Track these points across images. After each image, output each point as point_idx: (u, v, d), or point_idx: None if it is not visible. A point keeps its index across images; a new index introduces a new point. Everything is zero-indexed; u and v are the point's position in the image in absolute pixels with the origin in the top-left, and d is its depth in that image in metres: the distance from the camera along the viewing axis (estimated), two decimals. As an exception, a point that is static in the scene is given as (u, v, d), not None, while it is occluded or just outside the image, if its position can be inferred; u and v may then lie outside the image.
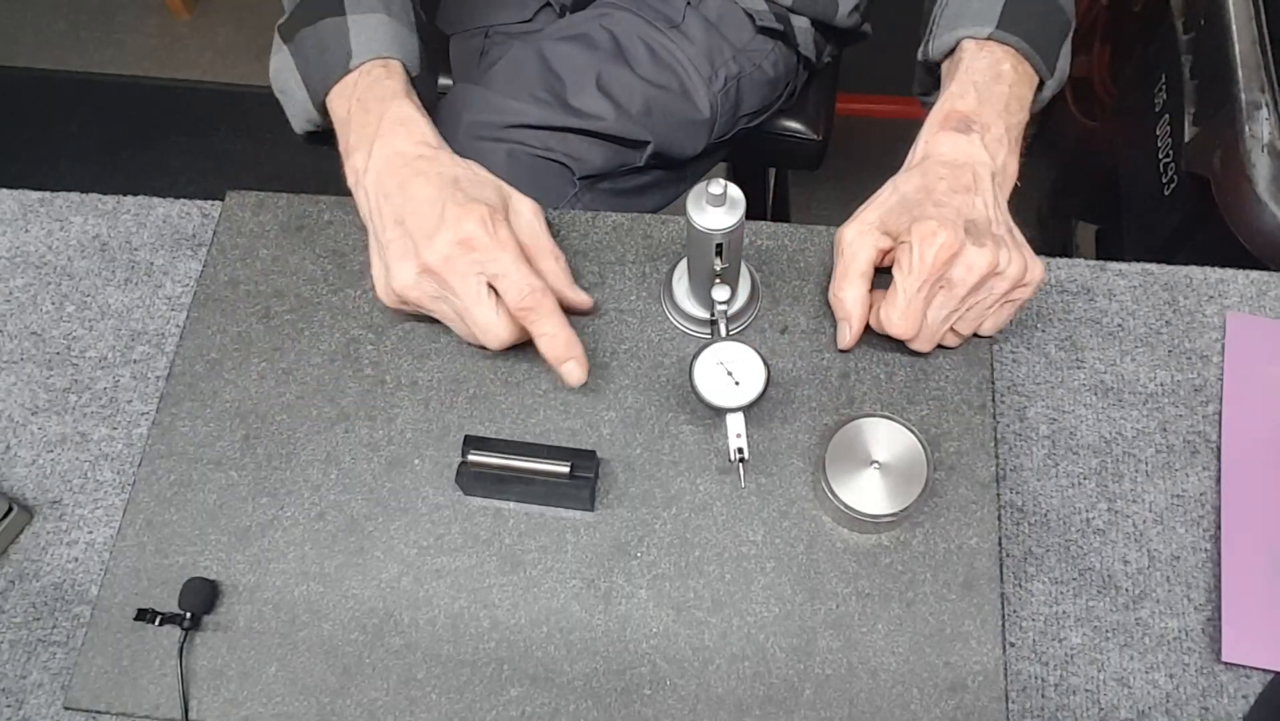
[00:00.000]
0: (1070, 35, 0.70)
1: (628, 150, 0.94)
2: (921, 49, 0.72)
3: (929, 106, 0.67)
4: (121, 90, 2.01)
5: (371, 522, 0.62)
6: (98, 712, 0.58)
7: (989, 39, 0.66)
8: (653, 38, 0.95)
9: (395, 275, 0.61)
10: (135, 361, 0.80)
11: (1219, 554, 0.70)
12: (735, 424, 0.58)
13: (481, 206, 0.60)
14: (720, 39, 0.97)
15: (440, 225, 0.59)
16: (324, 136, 0.71)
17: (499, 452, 0.60)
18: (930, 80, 0.74)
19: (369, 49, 0.66)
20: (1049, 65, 0.68)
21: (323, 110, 0.68)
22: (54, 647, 0.70)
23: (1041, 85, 0.69)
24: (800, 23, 1.02)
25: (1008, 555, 0.71)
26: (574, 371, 0.61)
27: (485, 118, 0.89)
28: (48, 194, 0.87)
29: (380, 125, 0.64)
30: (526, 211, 0.64)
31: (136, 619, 0.58)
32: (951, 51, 0.69)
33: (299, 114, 0.70)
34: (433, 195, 0.61)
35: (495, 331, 0.61)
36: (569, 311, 0.63)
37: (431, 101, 0.72)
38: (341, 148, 0.66)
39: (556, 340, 0.60)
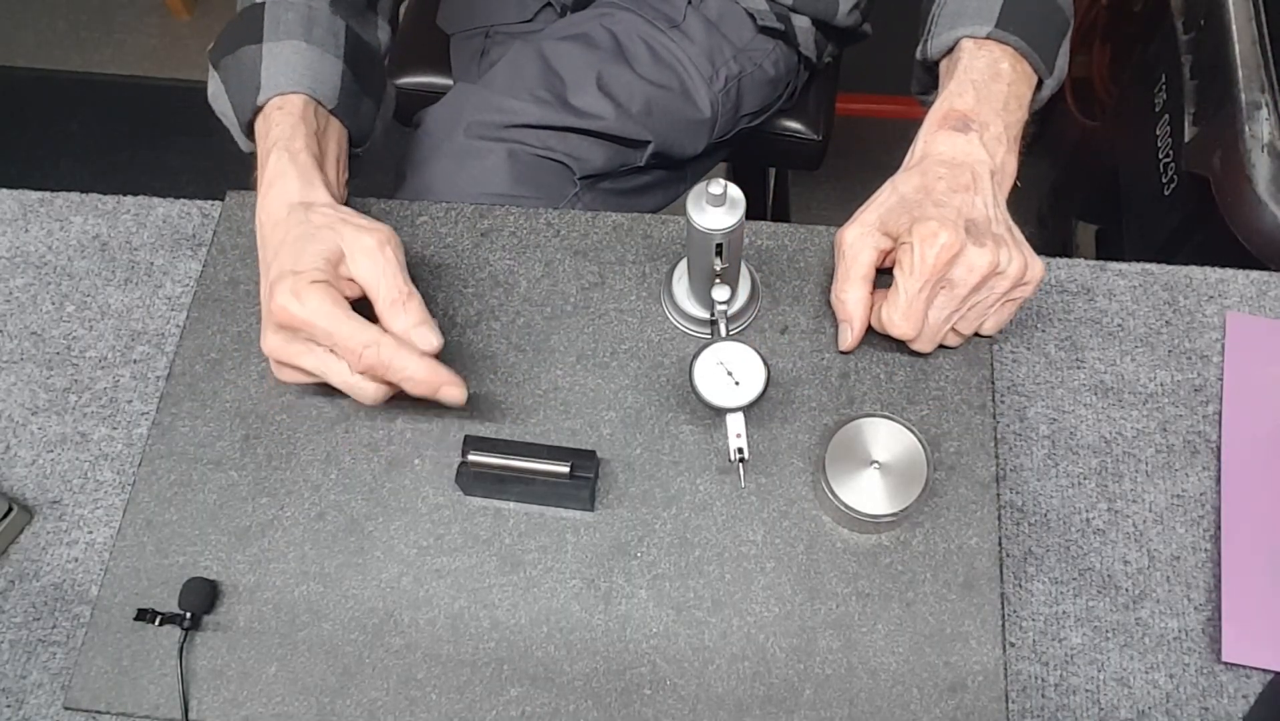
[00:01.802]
0: (1069, 34, 0.70)
1: (628, 150, 0.94)
2: (920, 48, 0.72)
3: (928, 105, 0.67)
4: (121, 90, 2.01)
5: (371, 522, 0.62)
6: (98, 712, 0.58)
7: (987, 38, 0.66)
8: (653, 37, 0.95)
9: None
10: (135, 361, 0.80)
11: (1219, 554, 0.70)
12: (735, 424, 0.58)
13: (286, 280, 0.57)
14: (721, 38, 0.97)
15: (265, 307, 0.59)
16: None
17: (499, 453, 0.60)
18: (928, 79, 0.74)
19: (274, 83, 0.65)
20: (1048, 64, 0.68)
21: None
22: (54, 647, 0.70)
23: (1040, 84, 0.69)
24: (801, 22, 1.02)
25: (1008, 555, 0.71)
26: (452, 394, 0.58)
27: (485, 117, 0.89)
28: (48, 194, 0.87)
29: (261, 184, 0.63)
30: (364, 254, 0.59)
31: (136, 619, 0.58)
32: (950, 51, 0.69)
33: (240, 140, 0.69)
34: (265, 264, 0.60)
35: (363, 390, 0.58)
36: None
37: (365, 127, 0.71)
38: None
39: (416, 380, 0.57)
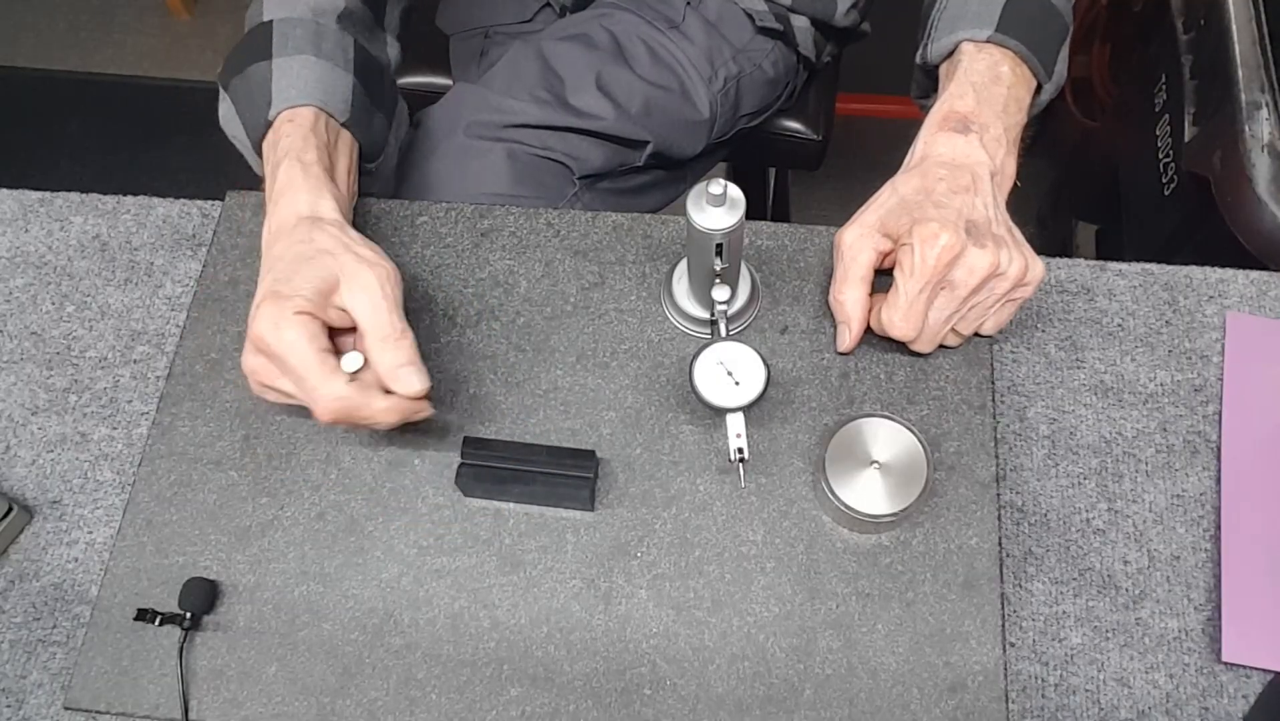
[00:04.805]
0: (1068, 39, 0.70)
1: (627, 150, 0.94)
2: (920, 52, 0.72)
3: (927, 110, 0.67)
4: (121, 90, 2.01)
5: (371, 522, 0.62)
6: (98, 712, 0.58)
7: (988, 41, 0.66)
8: (652, 38, 0.95)
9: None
10: (135, 361, 0.80)
11: (1219, 554, 0.70)
12: (735, 424, 0.58)
13: (270, 304, 0.56)
14: (720, 39, 0.97)
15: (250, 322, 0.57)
16: None
17: (498, 453, 0.60)
18: (928, 83, 0.74)
19: (284, 97, 0.64)
20: (1047, 69, 0.68)
21: None
22: (54, 647, 0.70)
23: (1039, 89, 0.69)
24: (800, 22, 1.02)
25: (1008, 555, 0.71)
26: (424, 413, 0.59)
27: (485, 117, 0.89)
28: (48, 194, 0.87)
29: (271, 194, 0.62)
30: (361, 288, 0.57)
31: (136, 619, 0.58)
32: (950, 54, 0.69)
33: (253, 162, 0.69)
34: (262, 275, 0.59)
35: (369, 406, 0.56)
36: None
37: (378, 141, 0.71)
38: None
39: (384, 423, 0.57)
